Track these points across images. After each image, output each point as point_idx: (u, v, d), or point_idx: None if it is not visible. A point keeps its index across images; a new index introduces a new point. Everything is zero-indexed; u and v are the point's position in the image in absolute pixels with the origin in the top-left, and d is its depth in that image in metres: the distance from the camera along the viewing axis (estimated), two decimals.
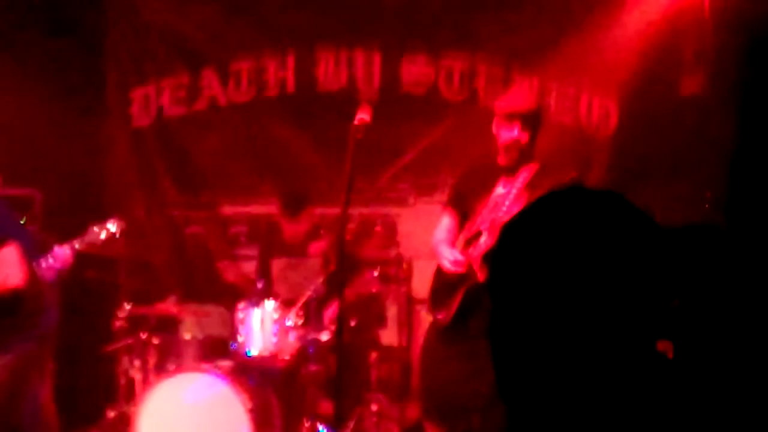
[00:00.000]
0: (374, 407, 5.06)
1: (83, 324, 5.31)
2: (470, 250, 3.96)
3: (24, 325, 4.19)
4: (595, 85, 5.87)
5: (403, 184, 6.23)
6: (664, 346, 1.32)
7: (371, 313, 5.59)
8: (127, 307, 4.97)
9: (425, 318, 4.73)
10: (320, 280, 5.04)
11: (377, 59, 6.18)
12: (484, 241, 3.91)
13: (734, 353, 1.62)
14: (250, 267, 5.89)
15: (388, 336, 5.69)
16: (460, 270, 3.94)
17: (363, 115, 3.67)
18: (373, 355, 5.22)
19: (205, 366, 4.81)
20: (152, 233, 6.30)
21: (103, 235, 4.51)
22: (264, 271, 5.48)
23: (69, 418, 4.75)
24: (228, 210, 6.41)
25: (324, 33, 6.19)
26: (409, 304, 5.61)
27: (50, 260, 4.29)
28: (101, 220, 4.57)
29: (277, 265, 5.44)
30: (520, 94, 4.57)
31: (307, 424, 4.86)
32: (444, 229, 4.18)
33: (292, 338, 4.91)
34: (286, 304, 4.95)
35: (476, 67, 6.07)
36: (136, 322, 5.01)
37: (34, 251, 4.24)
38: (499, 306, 1.27)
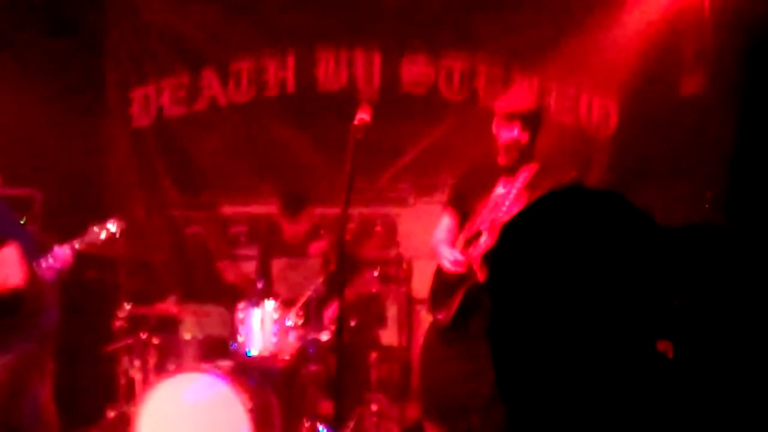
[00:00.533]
0: (374, 407, 5.05)
1: (83, 324, 5.30)
2: (470, 250, 3.96)
3: (24, 325, 4.19)
4: (595, 85, 5.87)
5: (403, 184, 6.23)
6: (664, 346, 1.32)
7: (371, 313, 5.59)
8: (127, 307, 4.96)
9: (425, 318, 4.73)
10: (320, 280, 5.04)
11: (377, 59, 6.17)
12: (484, 241, 3.91)
13: (734, 353, 1.62)
14: (250, 267, 5.89)
15: (388, 336, 5.69)
16: (460, 270, 3.94)
17: (363, 115, 3.67)
18: (373, 355, 5.22)
19: (205, 366, 4.81)
20: (152, 233, 6.30)
21: (103, 235, 4.51)
22: (264, 271, 5.48)
23: (69, 418, 4.75)
24: (228, 210, 6.41)
25: (324, 33, 6.19)
26: (409, 304, 5.61)
27: (50, 260, 4.29)
28: (101, 220, 4.57)
29: (277, 265, 5.44)
30: (520, 94, 4.56)
31: (307, 424, 4.86)
32: (444, 229, 4.18)
33: (292, 338, 4.91)
34: (286, 304, 4.95)
35: (476, 67, 6.07)
36: (136, 322, 5.01)
37: (34, 251, 4.23)
38: (499, 306, 1.27)
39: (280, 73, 6.25)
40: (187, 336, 5.03)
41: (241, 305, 4.94)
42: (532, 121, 3.98)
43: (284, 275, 5.38)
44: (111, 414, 4.95)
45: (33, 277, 4.17)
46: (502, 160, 4.02)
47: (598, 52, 5.66)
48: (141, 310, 5.07)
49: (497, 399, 1.27)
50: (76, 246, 4.38)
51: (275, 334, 4.87)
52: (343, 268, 4.06)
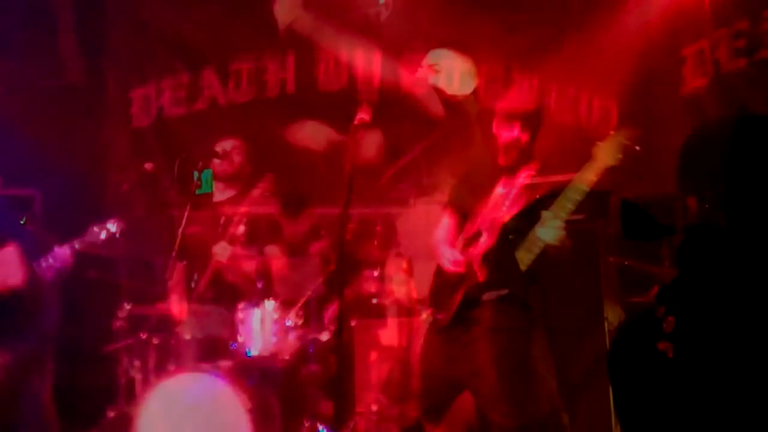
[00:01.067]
0: (374, 407, 5.05)
1: (83, 324, 5.30)
2: (470, 250, 3.96)
3: (24, 325, 4.19)
4: (595, 85, 5.87)
5: (403, 184, 6.23)
6: (665, 347, 1.32)
7: (371, 313, 5.59)
8: (127, 307, 4.96)
9: (425, 318, 4.73)
10: (320, 280, 5.04)
11: (377, 59, 6.17)
12: (484, 240, 3.91)
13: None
14: (250, 267, 5.88)
15: (388, 336, 5.69)
16: (460, 270, 3.94)
17: (363, 115, 3.67)
18: (373, 355, 5.22)
19: (205, 366, 4.81)
20: (152, 233, 6.29)
21: (103, 235, 4.51)
22: (264, 271, 5.48)
23: (69, 418, 4.75)
24: (228, 210, 6.41)
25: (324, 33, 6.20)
26: (408, 303, 5.61)
27: (50, 260, 4.29)
28: (101, 220, 4.57)
29: (277, 265, 5.44)
30: (521, 95, 4.57)
31: (307, 424, 4.86)
32: (444, 229, 4.18)
33: (292, 338, 4.91)
34: (286, 304, 4.95)
35: (476, 67, 6.06)
36: (136, 322, 5.00)
37: (34, 251, 4.24)
38: None
39: (280, 73, 6.25)
40: (187, 336, 5.02)
41: (241, 305, 4.94)
42: (532, 121, 3.99)
43: (284, 275, 5.37)
44: (111, 414, 4.95)
45: (33, 277, 4.17)
46: (502, 160, 4.02)
47: (598, 52, 5.66)
48: (141, 310, 5.07)
49: (497, 399, 1.27)
50: (76, 246, 4.39)
51: (275, 334, 4.87)
52: (343, 268, 4.06)
